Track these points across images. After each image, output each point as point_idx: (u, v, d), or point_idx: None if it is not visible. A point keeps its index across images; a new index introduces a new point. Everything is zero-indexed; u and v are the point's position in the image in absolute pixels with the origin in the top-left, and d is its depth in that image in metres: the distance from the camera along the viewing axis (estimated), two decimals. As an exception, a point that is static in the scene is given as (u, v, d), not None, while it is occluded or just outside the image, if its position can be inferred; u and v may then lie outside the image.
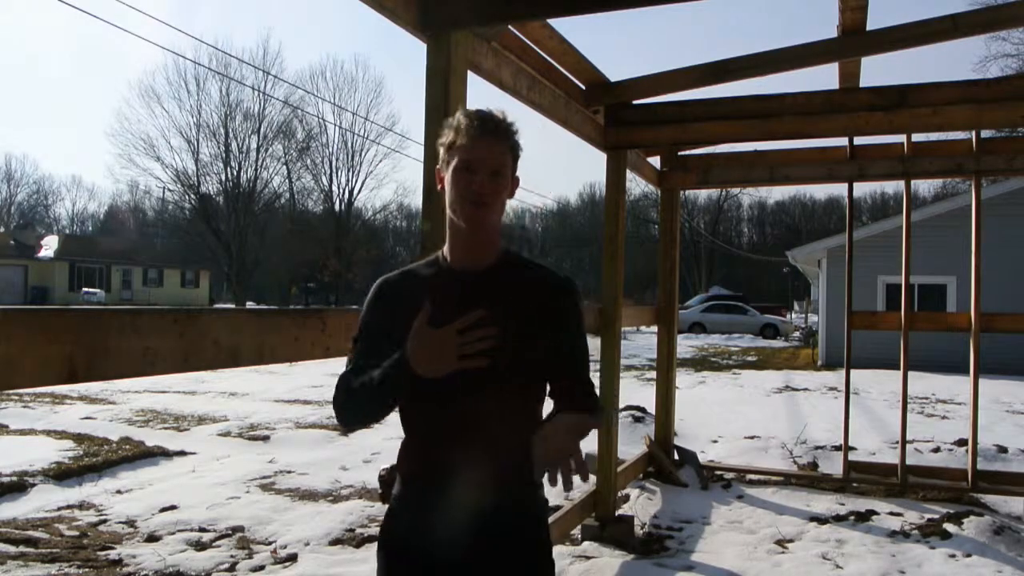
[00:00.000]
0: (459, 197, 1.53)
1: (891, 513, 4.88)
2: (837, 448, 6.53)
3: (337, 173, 50.31)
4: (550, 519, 3.89)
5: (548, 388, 1.61)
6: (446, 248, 1.64)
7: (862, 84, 4.45)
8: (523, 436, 1.47)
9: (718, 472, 5.96)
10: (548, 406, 1.60)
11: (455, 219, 1.57)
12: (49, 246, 44.29)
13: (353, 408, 1.60)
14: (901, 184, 5.51)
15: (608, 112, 4.72)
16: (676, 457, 5.91)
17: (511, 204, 1.64)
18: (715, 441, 7.35)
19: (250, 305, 41.80)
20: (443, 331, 1.40)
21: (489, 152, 1.53)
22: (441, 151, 1.59)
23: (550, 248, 63.98)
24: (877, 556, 4.10)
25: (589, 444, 5.32)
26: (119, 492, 5.48)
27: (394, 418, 1.64)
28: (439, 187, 1.61)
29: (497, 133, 1.55)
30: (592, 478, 4.83)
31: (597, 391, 1.66)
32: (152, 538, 4.43)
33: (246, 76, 43.05)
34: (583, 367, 1.62)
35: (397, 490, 1.67)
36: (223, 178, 44.79)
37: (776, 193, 67.35)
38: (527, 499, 1.62)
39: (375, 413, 1.58)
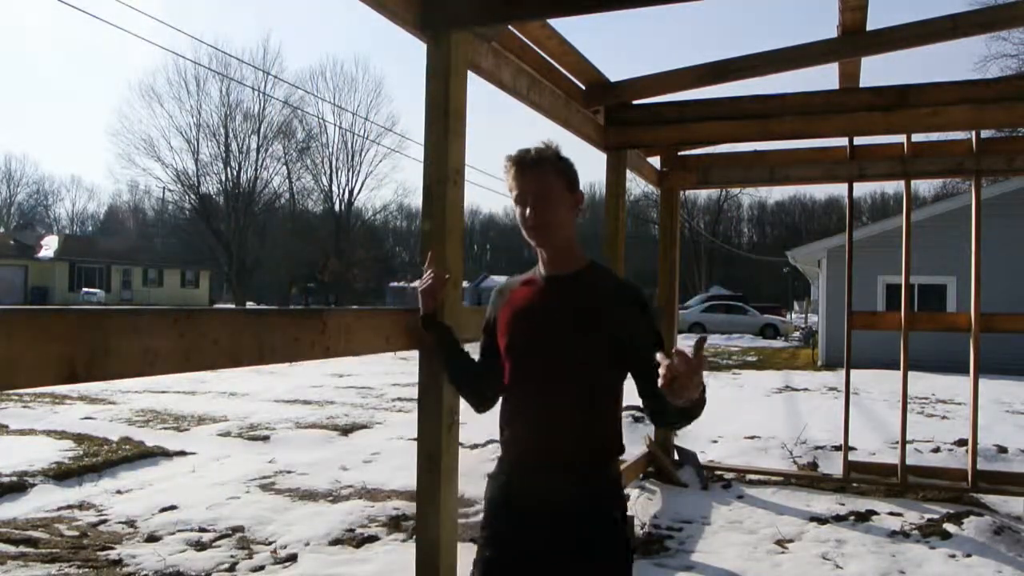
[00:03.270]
0: (521, 227, 1.81)
1: (891, 513, 4.88)
2: (837, 448, 6.53)
3: (337, 173, 50.41)
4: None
5: (638, 385, 1.78)
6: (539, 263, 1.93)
7: (862, 84, 4.45)
8: (588, 421, 1.75)
9: (718, 472, 5.96)
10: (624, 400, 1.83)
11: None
12: (49, 246, 44.28)
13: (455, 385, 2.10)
14: (901, 184, 5.50)
15: (608, 112, 4.72)
16: (676, 457, 5.91)
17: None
18: (715, 441, 7.34)
19: (250, 305, 41.77)
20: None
21: (531, 183, 1.76)
22: None
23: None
24: (877, 556, 4.09)
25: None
26: (119, 492, 5.48)
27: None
28: None
29: (535, 166, 1.76)
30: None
31: None
32: (152, 538, 4.43)
33: (246, 76, 43.13)
34: None
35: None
36: (223, 178, 44.88)
37: (776, 193, 67.48)
38: (592, 480, 1.76)
39: (446, 368, 2.09)
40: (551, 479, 1.74)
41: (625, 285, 1.83)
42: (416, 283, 1.88)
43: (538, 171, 1.76)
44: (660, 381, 1.46)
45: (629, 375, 1.82)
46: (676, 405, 1.51)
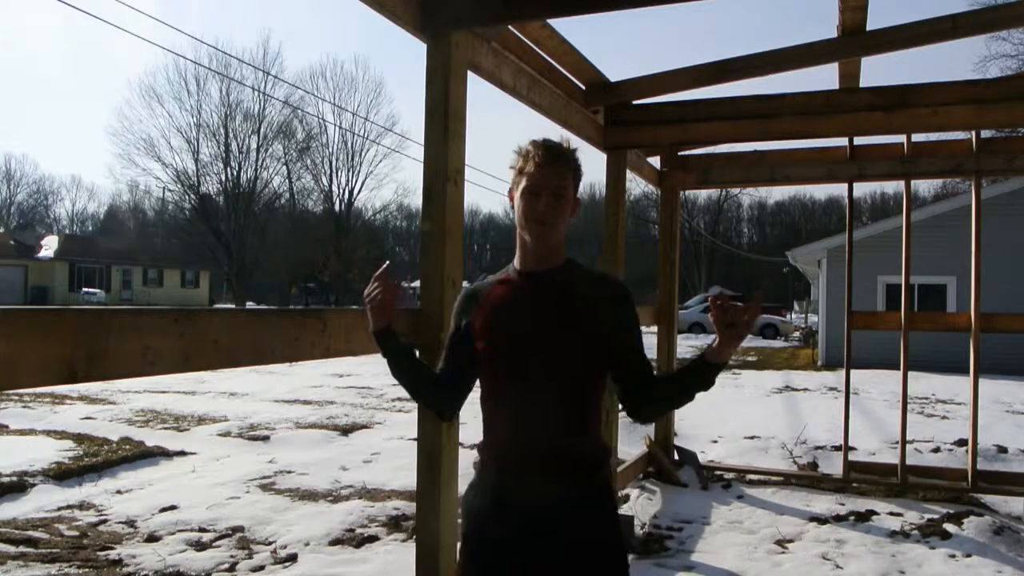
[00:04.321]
0: (525, 217, 1.75)
1: (891, 513, 4.88)
2: (837, 448, 6.53)
3: (337, 173, 50.41)
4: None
5: (617, 377, 1.77)
6: (516, 259, 1.84)
7: (862, 84, 4.45)
8: (576, 418, 1.72)
9: (718, 472, 5.96)
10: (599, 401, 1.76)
11: (523, 235, 1.77)
12: (49, 246, 44.23)
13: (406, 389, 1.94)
14: (901, 184, 5.50)
15: (608, 112, 4.72)
16: (676, 457, 5.91)
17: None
18: (715, 441, 7.34)
19: (250, 305, 41.77)
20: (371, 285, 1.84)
21: (552, 178, 1.73)
22: (511, 174, 1.81)
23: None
24: (877, 556, 4.09)
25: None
26: (119, 492, 5.48)
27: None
28: (511, 205, 1.83)
29: (559, 160, 1.75)
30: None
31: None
32: (152, 538, 4.43)
33: (246, 76, 43.11)
34: (646, 359, 1.82)
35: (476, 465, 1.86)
36: (223, 178, 44.86)
37: (776, 193, 67.42)
38: (587, 480, 1.74)
39: (405, 386, 1.90)
40: (545, 482, 1.70)
41: (603, 277, 1.84)
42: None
43: (562, 169, 1.75)
44: (714, 323, 1.59)
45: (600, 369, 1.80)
46: (720, 360, 1.63)
